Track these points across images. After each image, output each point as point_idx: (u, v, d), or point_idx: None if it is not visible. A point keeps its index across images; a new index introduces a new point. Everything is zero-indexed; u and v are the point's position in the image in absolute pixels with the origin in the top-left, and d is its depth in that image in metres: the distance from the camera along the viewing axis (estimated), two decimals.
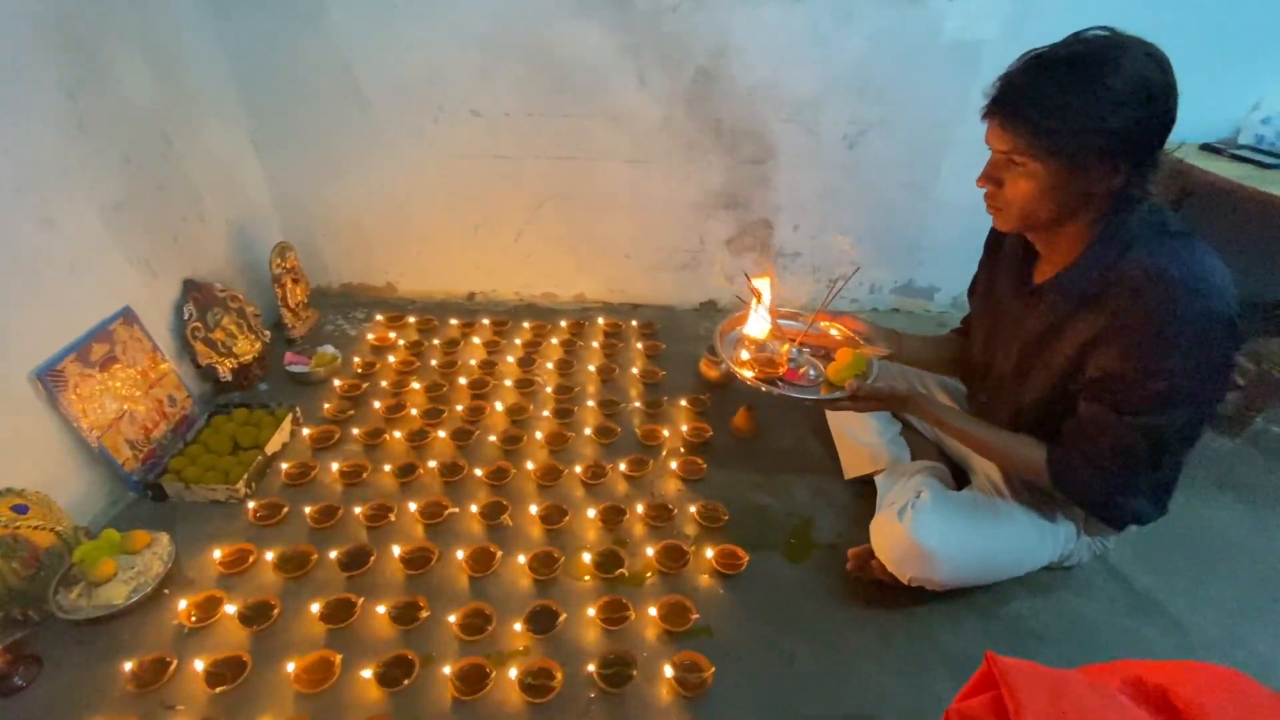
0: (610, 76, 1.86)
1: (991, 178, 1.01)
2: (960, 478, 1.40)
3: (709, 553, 1.35)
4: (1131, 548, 1.40)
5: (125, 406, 1.47)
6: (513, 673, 1.11)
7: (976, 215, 1.20)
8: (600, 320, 2.16)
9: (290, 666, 1.11)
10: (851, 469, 1.53)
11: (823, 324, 1.39)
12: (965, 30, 1.77)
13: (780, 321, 1.39)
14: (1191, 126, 1.89)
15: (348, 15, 1.80)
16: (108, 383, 1.44)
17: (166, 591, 1.27)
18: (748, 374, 1.29)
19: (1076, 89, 0.89)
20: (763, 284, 1.37)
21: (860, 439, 1.50)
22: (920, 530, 1.14)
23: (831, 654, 1.21)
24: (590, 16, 1.78)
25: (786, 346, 1.36)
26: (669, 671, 1.12)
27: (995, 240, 1.26)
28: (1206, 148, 1.88)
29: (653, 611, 1.23)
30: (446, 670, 1.11)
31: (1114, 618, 1.30)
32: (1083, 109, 0.89)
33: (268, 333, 1.91)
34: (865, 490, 1.49)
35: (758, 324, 1.37)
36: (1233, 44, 1.78)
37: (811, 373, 1.32)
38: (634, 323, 2.17)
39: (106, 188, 1.47)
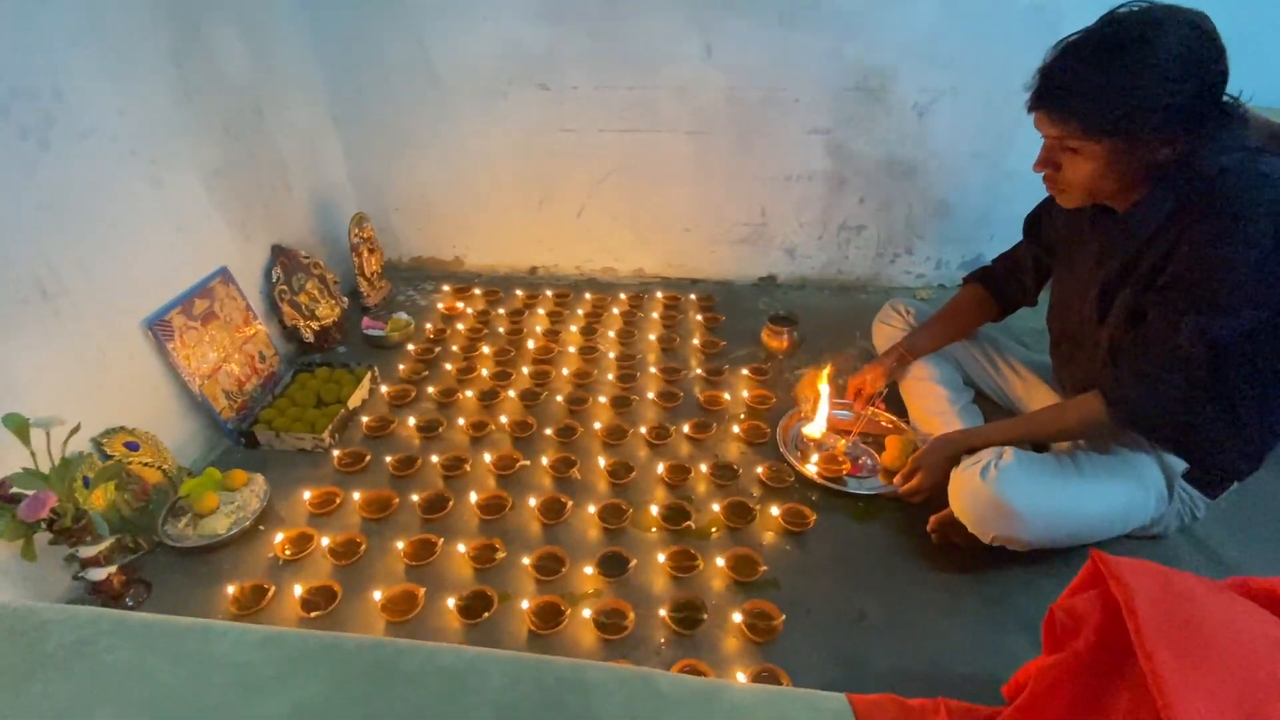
0: (676, 47, 1.88)
1: (1049, 162, 1.03)
2: (1037, 448, 1.37)
3: (775, 510, 1.36)
4: (1220, 520, 1.34)
5: (222, 359, 1.57)
6: (586, 612, 1.15)
7: None
8: (659, 294, 2.18)
9: (377, 596, 1.18)
10: (922, 436, 1.50)
11: (868, 412, 1.56)
12: None
13: (834, 414, 1.59)
14: None
15: None
16: (208, 336, 1.54)
17: (262, 528, 1.35)
18: (812, 469, 1.46)
19: (1119, 72, 0.89)
20: (823, 390, 1.54)
21: (931, 408, 1.48)
22: (1005, 488, 1.12)
23: (902, 612, 1.20)
24: None
25: (843, 442, 1.52)
26: (738, 618, 1.14)
27: None
28: None
29: (720, 562, 1.24)
30: (524, 605, 1.16)
31: None
32: (1128, 91, 0.90)
33: (345, 299, 2.00)
34: None
35: (816, 424, 1.54)
36: None
37: (869, 462, 1.50)
38: (692, 296, 2.18)
39: (207, 154, 1.57)
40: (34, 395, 1.16)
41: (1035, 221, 1.35)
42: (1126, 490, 1.17)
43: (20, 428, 1.02)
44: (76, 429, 1.11)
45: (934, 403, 1.48)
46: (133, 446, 1.34)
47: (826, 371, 1.56)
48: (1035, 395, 1.45)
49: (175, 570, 1.28)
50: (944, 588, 1.24)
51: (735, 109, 1.96)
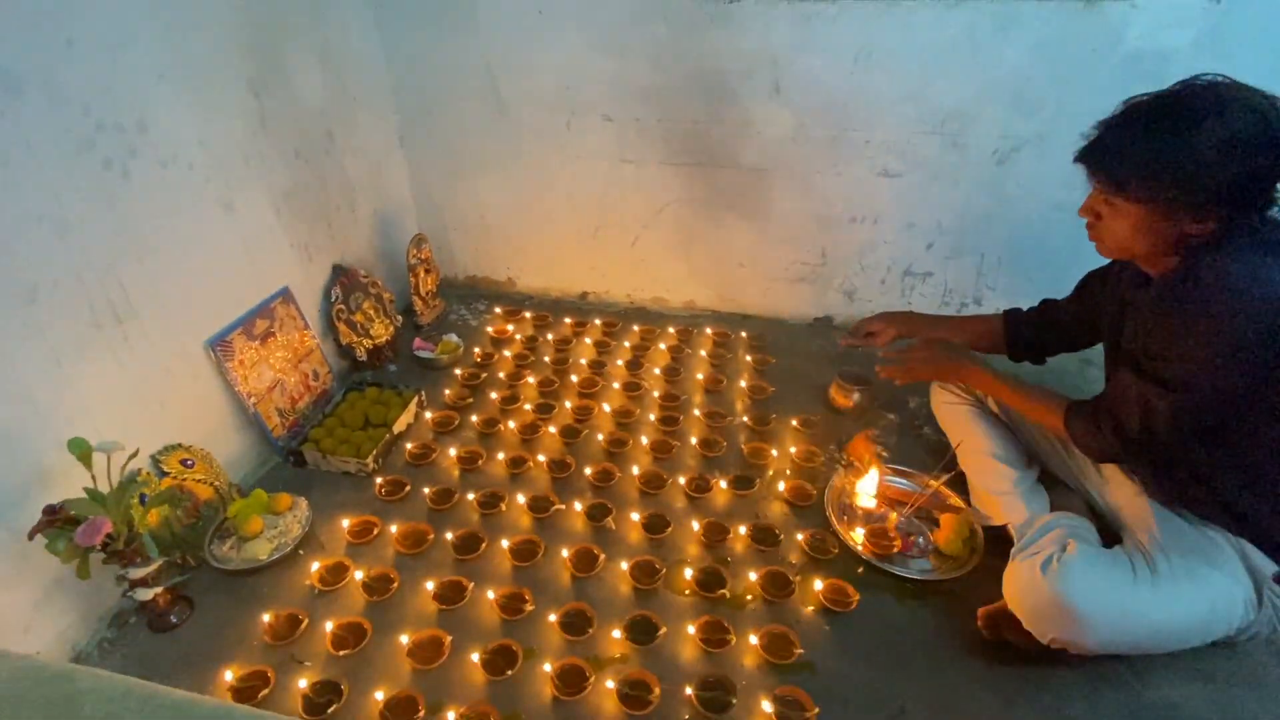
0: (744, 84, 1.83)
1: (1091, 210, 1.09)
2: (1108, 538, 1.26)
3: (816, 585, 1.29)
4: None
5: (278, 377, 1.61)
6: (610, 683, 1.12)
7: None
8: (709, 330, 2.14)
9: (404, 640, 1.18)
10: (981, 517, 1.41)
11: (931, 487, 1.47)
12: (1150, 39, 1.59)
13: (887, 479, 1.53)
14: None
15: (495, 21, 1.88)
16: (266, 355, 1.58)
17: (301, 553, 1.38)
18: (859, 537, 1.40)
19: (1163, 144, 0.93)
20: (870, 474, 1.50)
21: (993, 487, 1.38)
22: (1067, 587, 1.03)
23: (947, 712, 1.12)
24: (729, 23, 1.75)
25: (895, 516, 1.45)
26: (768, 707, 1.08)
27: None
28: None
29: (754, 640, 1.19)
30: (547, 668, 1.14)
31: None
32: (1167, 165, 0.93)
33: (399, 317, 2.03)
34: (993, 535, 1.37)
35: (866, 494, 1.49)
36: None
37: (921, 541, 1.41)
38: (743, 334, 2.13)
39: (278, 178, 1.62)
40: (99, 415, 1.21)
41: (1087, 283, 1.38)
42: (1208, 597, 1.06)
43: (84, 454, 1.06)
44: (135, 454, 1.15)
45: (996, 481, 1.39)
46: (188, 464, 1.38)
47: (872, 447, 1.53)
48: (1110, 478, 1.34)
49: (218, 589, 1.32)
50: (994, 689, 1.15)
51: (801, 148, 1.90)
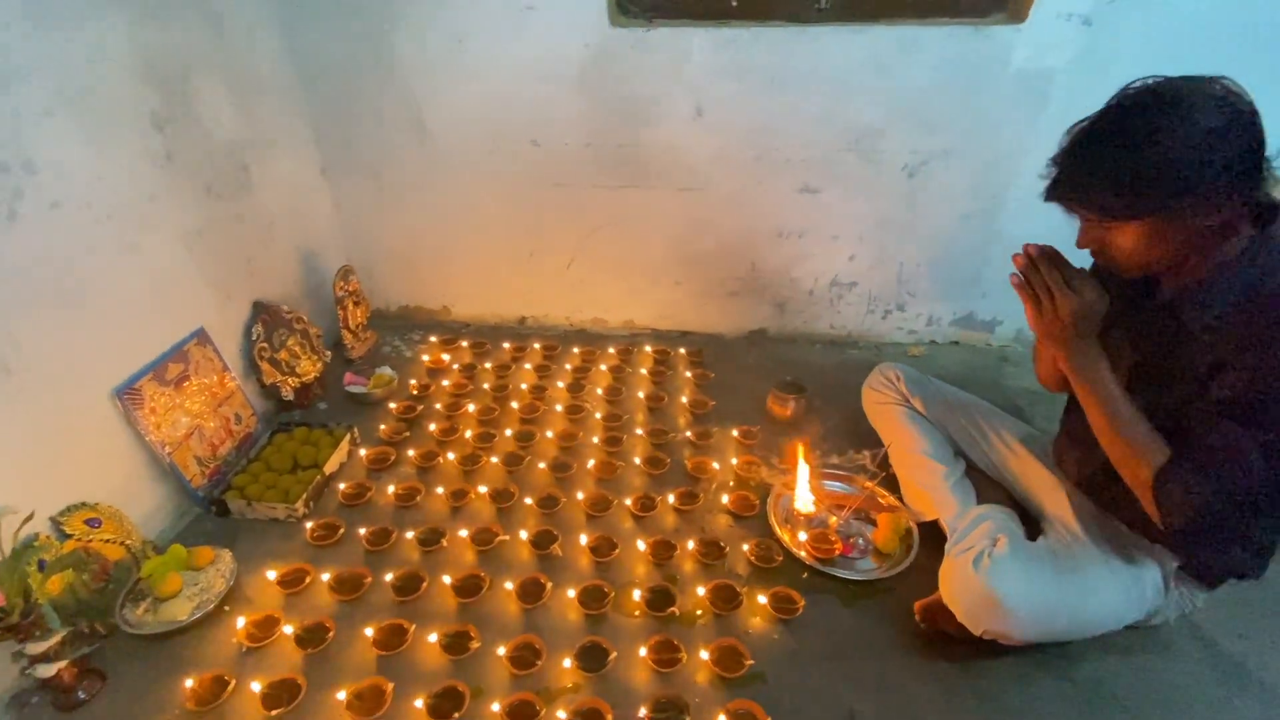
0: (667, 107, 1.88)
1: (1092, 239, 0.97)
2: (1029, 524, 1.33)
3: (762, 598, 1.31)
4: (1223, 610, 1.30)
5: (195, 424, 1.52)
6: (561, 714, 1.09)
7: None
8: (648, 348, 2.15)
9: (342, 695, 1.12)
10: (914, 514, 1.46)
11: (866, 488, 1.52)
12: (1034, 60, 1.72)
13: (824, 484, 1.58)
14: None
15: (414, 50, 1.86)
16: (180, 401, 1.49)
17: (227, 609, 1.30)
18: (802, 553, 1.41)
19: (1137, 158, 0.85)
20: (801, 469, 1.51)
21: (923, 482, 1.44)
22: (998, 582, 1.08)
23: (894, 710, 1.15)
24: (652, 50, 1.80)
25: (835, 519, 1.48)
26: None
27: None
28: None
29: (705, 655, 1.19)
30: (496, 707, 1.10)
31: (1202, 686, 1.20)
32: (1150, 175, 0.85)
33: (328, 353, 1.96)
34: (927, 531, 1.42)
35: (803, 498, 1.50)
36: None
37: (860, 542, 1.44)
38: (682, 350, 2.15)
39: (189, 215, 1.54)
40: None
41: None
42: (1123, 586, 1.13)
43: None
44: (29, 518, 1.06)
45: (926, 477, 1.44)
46: (94, 523, 1.28)
47: (802, 448, 1.53)
48: (1029, 472, 1.41)
49: (133, 658, 1.22)
50: (936, 681, 1.19)
51: (726, 168, 1.96)
